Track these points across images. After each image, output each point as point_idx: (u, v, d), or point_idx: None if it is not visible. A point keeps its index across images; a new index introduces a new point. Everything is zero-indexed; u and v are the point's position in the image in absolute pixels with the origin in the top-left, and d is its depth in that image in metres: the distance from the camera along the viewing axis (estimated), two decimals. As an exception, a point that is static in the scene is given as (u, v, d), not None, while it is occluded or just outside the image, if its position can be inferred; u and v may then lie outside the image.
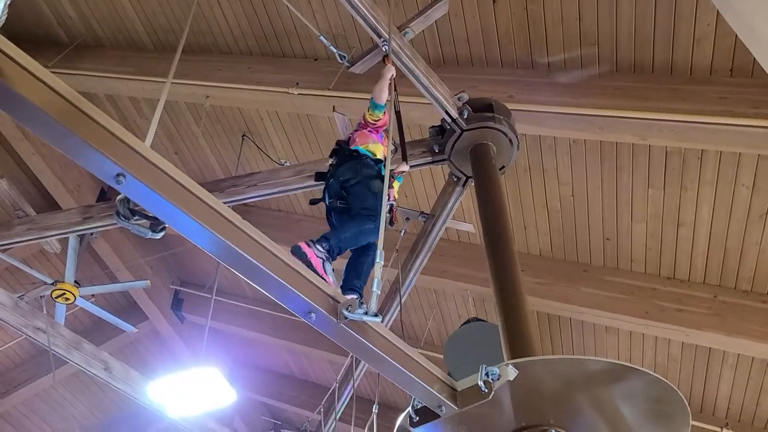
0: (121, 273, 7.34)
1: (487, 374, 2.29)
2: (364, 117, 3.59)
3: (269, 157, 6.03)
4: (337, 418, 5.39)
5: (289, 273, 1.82)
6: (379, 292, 1.95)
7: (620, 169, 4.94)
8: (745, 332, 4.92)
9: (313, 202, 3.65)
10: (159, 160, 1.54)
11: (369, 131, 3.57)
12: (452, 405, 2.24)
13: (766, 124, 3.69)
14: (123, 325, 6.85)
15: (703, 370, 5.74)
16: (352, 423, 5.80)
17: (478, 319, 5.85)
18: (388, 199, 3.54)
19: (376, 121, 3.51)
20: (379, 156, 3.49)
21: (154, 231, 1.54)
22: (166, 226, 1.63)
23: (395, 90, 3.51)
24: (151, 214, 1.58)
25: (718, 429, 5.85)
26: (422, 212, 4.55)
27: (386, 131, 3.58)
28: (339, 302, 1.93)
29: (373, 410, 4.28)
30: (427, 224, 4.44)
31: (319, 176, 3.65)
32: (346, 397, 5.47)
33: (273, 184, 3.97)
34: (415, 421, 2.43)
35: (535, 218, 5.58)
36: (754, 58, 3.94)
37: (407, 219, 4.64)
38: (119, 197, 1.57)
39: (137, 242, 7.56)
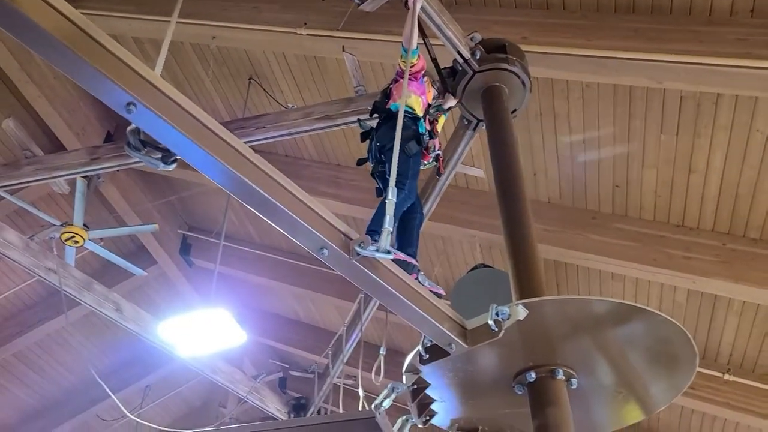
0: (129, 217, 7.37)
1: (497, 313, 2.30)
2: (399, 67, 3.48)
3: (276, 101, 5.96)
4: (345, 360, 5.50)
5: (302, 208, 1.81)
6: (390, 229, 1.95)
7: (633, 115, 4.86)
8: (753, 279, 4.93)
9: (359, 162, 3.56)
10: (170, 90, 1.51)
11: (408, 81, 3.47)
12: (462, 343, 2.26)
13: (784, 68, 3.60)
14: (132, 268, 6.91)
15: (708, 317, 5.79)
16: (360, 366, 5.89)
17: (485, 266, 5.88)
18: (435, 149, 3.49)
19: (411, 67, 3.38)
20: (418, 111, 3.38)
21: (165, 163, 1.52)
22: (178, 158, 1.61)
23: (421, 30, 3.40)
24: (162, 146, 1.56)
25: (720, 374, 5.94)
26: (434, 156, 4.50)
27: (426, 74, 3.49)
28: (351, 239, 1.93)
29: (381, 352, 4.36)
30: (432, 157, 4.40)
31: (363, 137, 3.55)
32: (354, 340, 5.56)
33: (281, 126, 3.93)
34: (425, 358, 2.46)
35: (545, 164, 5.54)
36: (777, -1, 3.82)
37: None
38: (130, 128, 1.55)
39: (145, 186, 7.57)
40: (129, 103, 1.42)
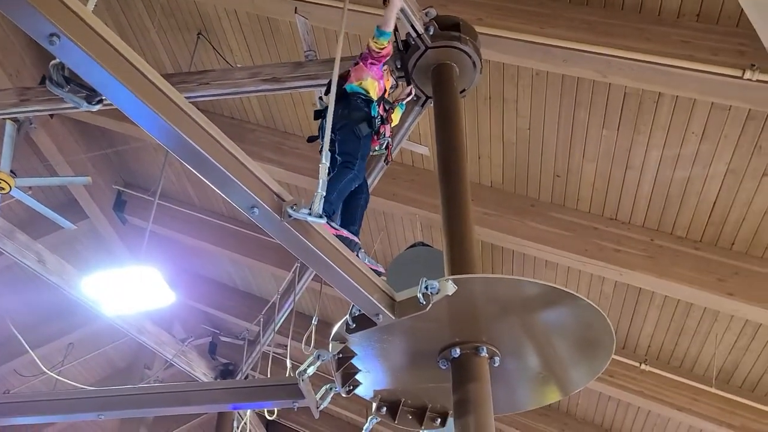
0: (61, 168, 7.06)
1: (426, 287, 2.31)
2: (368, 46, 3.43)
3: (225, 59, 5.79)
4: (276, 329, 5.46)
5: (234, 164, 1.75)
6: (323, 194, 1.92)
7: (578, 106, 4.95)
8: (675, 276, 5.13)
9: (310, 139, 3.51)
10: (98, 25, 1.42)
11: (369, 64, 3.42)
12: (389, 314, 2.26)
13: (723, 71, 3.72)
14: (61, 221, 6.64)
15: (631, 309, 6.02)
16: (290, 336, 5.86)
17: (424, 244, 5.92)
18: (385, 135, 3.48)
19: (380, 50, 3.36)
20: (373, 94, 3.37)
21: (89, 103, 1.44)
22: (103, 99, 1.53)
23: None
24: (86, 84, 1.48)
25: (637, 364, 6.19)
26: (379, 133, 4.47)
27: (386, 63, 3.48)
28: (284, 200, 1.89)
29: (313, 322, 4.34)
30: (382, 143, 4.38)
31: (316, 114, 3.52)
32: (287, 309, 5.53)
33: (226, 84, 3.82)
34: (351, 327, 2.46)
35: (489, 149, 5.59)
36: (722, 5, 3.94)
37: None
38: (53, 62, 1.46)
39: (81, 137, 7.26)
40: (52, 34, 1.34)
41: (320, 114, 3.43)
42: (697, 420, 6.24)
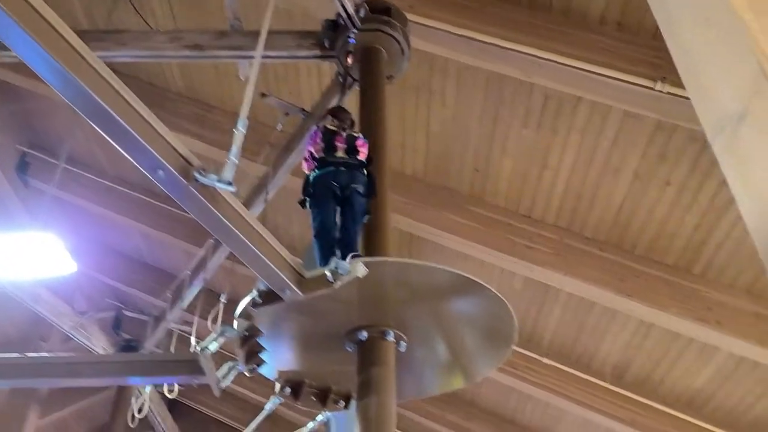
0: (-41, 123, 6.58)
1: (336, 267, 2.29)
2: None
3: (146, 21, 5.52)
4: (184, 306, 5.29)
5: (140, 123, 1.66)
6: (236, 161, 1.85)
7: (502, 104, 5.05)
8: (581, 275, 5.34)
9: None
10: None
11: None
12: (297, 290, 2.22)
13: (638, 81, 3.88)
14: (-46, 179, 6.17)
15: (538, 304, 6.22)
16: (197, 314, 5.71)
17: (341, 228, 5.89)
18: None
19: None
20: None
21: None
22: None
23: None
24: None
25: (540, 358, 6.42)
26: (303, 109, 4.41)
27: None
28: (191, 165, 1.81)
29: (221, 300, 4.23)
30: (306, 123, 4.32)
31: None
32: (196, 286, 5.37)
33: (145, 47, 3.64)
34: (258, 302, 2.40)
35: (414, 138, 5.62)
36: (642, 18, 4.11)
37: (286, 114, 4.48)
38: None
39: (-18, 92, 6.78)
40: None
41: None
42: (591, 413, 6.54)
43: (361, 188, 3.03)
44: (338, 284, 2.24)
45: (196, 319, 4.73)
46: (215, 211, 1.86)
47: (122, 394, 6.43)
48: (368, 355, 2.69)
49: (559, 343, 6.47)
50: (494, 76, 4.84)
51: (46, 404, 7.92)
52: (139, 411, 5.27)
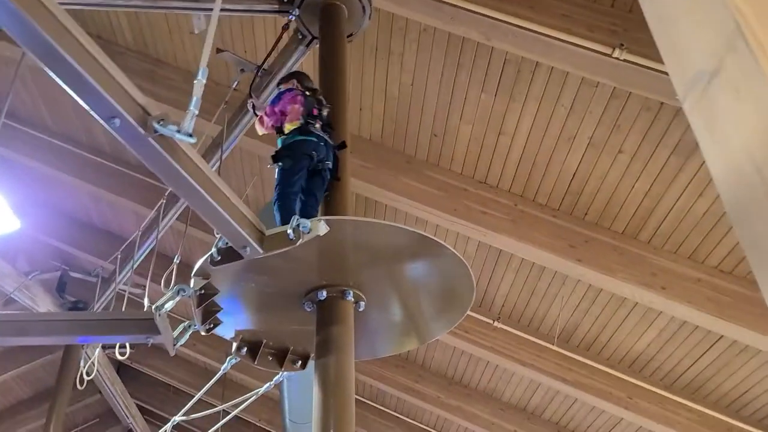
0: None
1: (298, 225, 2.26)
2: None
3: (95, -29, 5.25)
4: (134, 267, 5.17)
5: (96, 68, 1.58)
6: (196, 112, 1.79)
7: (461, 68, 5.03)
8: (533, 240, 5.45)
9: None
10: None
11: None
12: (257, 247, 2.19)
13: (596, 47, 3.92)
14: None
15: (491, 269, 6.34)
16: (149, 277, 5.56)
17: (297, 191, 5.83)
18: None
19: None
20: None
21: None
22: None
23: None
24: None
25: (491, 321, 6.57)
26: (259, 66, 4.29)
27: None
28: (149, 114, 1.74)
29: (174, 261, 4.15)
30: (263, 80, 4.22)
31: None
32: (147, 247, 5.25)
33: (94, -6, 3.46)
34: (216, 260, 2.36)
35: (372, 101, 5.57)
36: (602, -16, 4.13)
37: (242, 70, 4.36)
38: None
39: None
40: None
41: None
42: (538, 374, 6.76)
43: (330, 167, 3.03)
44: (300, 242, 2.22)
45: (148, 281, 4.63)
46: (174, 164, 1.80)
47: (69, 357, 6.28)
48: (327, 314, 2.69)
49: (510, 307, 6.63)
50: (454, 38, 4.81)
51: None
52: (88, 373, 5.17)
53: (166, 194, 5.13)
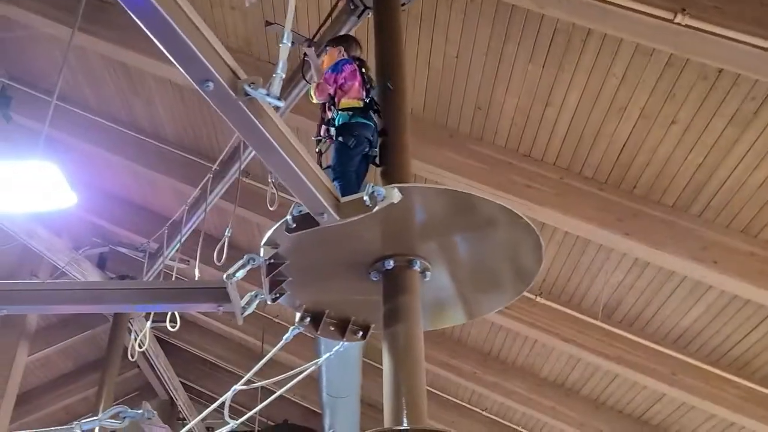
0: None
1: (372, 192, 2.25)
2: None
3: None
4: (182, 241, 5.22)
5: (194, 31, 1.57)
6: (283, 75, 1.78)
7: (508, 39, 4.95)
8: (579, 214, 5.38)
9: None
10: None
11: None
12: (334, 214, 2.18)
13: (656, 12, 3.82)
14: (-65, 110, 5.92)
15: (533, 244, 6.28)
16: (198, 257, 5.56)
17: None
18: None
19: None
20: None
21: None
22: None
23: None
24: None
25: (533, 297, 6.54)
26: (310, 39, 4.25)
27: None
28: (239, 77, 1.73)
29: (226, 234, 4.17)
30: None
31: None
32: (195, 222, 5.30)
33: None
34: (291, 227, 2.36)
35: (414, 73, 5.50)
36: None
37: (293, 43, 4.31)
38: None
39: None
40: None
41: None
42: (579, 350, 6.73)
43: (377, 153, 3.03)
44: (376, 209, 2.21)
45: (198, 259, 4.68)
46: (261, 127, 1.79)
47: (117, 330, 6.41)
48: (394, 284, 2.68)
49: (552, 281, 6.58)
50: (503, 7, 4.73)
51: (33, 341, 7.88)
52: (140, 345, 5.25)
53: (212, 170, 5.16)
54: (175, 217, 5.79)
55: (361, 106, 3.04)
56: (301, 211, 2.35)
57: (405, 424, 2.32)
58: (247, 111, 1.73)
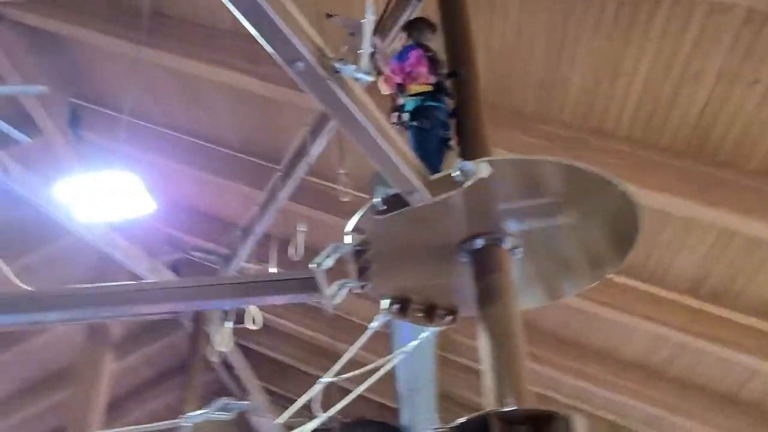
0: (11, 79, 6.52)
1: (462, 167, 2.18)
2: None
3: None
4: (257, 240, 5.27)
5: (284, 11, 1.55)
6: (370, 50, 1.74)
7: (570, 14, 4.79)
8: (657, 185, 5.16)
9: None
10: None
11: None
12: (426, 193, 2.13)
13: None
14: (14, 133, 6.15)
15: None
16: (275, 245, 5.59)
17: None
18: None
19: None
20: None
21: None
22: None
23: None
24: None
25: (611, 276, 6.30)
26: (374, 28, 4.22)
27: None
28: (327, 56, 1.70)
29: (300, 229, 4.18)
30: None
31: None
32: (267, 219, 5.34)
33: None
34: (380, 209, 2.32)
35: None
36: None
37: (352, 34, 4.29)
38: None
39: (31, 45, 6.71)
40: None
41: None
42: (662, 329, 6.48)
43: (449, 135, 2.96)
44: (467, 184, 2.14)
45: (275, 251, 4.71)
46: (349, 105, 1.76)
47: (198, 335, 6.57)
48: (485, 263, 2.61)
49: (630, 260, 6.32)
50: (564, -19, 4.58)
51: (118, 349, 8.16)
52: (224, 347, 5.35)
53: (280, 169, 5.19)
54: (248, 215, 5.85)
55: (431, 89, 2.98)
56: (387, 194, 2.31)
57: (510, 406, 2.25)
58: (338, 90, 1.69)
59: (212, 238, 8.18)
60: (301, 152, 5.16)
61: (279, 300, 2.60)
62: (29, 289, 3.87)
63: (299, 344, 11.15)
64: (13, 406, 9.28)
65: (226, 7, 5.28)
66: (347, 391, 3.25)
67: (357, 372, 3.21)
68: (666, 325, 6.33)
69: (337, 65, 1.66)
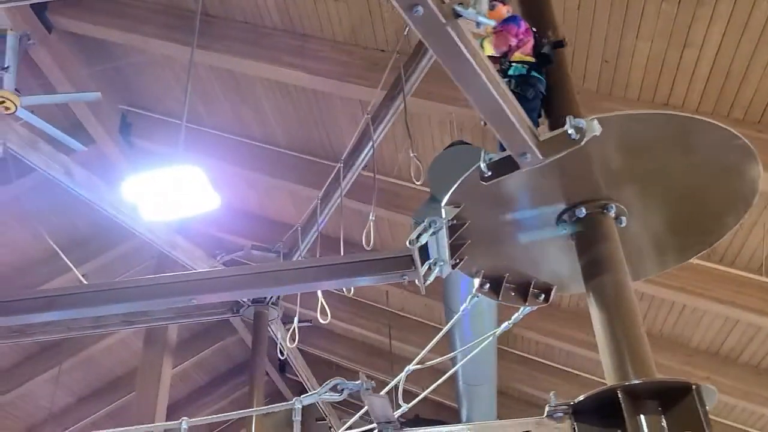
0: (62, 88, 6.57)
1: (575, 125, 2.03)
2: None
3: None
4: (320, 229, 5.19)
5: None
6: (489, -5, 1.61)
7: (634, -18, 4.60)
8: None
9: None
10: None
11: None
12: (538, 153, 1.98)
13: None
14: (70, 142, 6.22)
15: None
16: (341, 228, 5.41)
17: (463, 143, 5.64)
18: None
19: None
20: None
21: None
22: None
23: None
24: None
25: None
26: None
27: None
28: (445, 1, 1.58)
29: (370, 218, 4.08)
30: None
31: None
32: (329, 211, 5.25)
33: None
34: (486, 175, 2.19)
35: (532, 35, 5.23)
36: None
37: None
38: None
39: (80, 53, 6.76)
40: None
41: None
42: (736, 311, 6.20)
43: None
44: (583, 142, 1.99)
45: (341, 239, 4.60)
46: (469, 55, 1.63)
47: (258, 335, 6.52)
48: (590, 233, 2.45)
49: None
50: (630, -54, 4.39)
51: (176, 352, 8.17)
52: (291, 341, 5.28)
53: (341, 161, 5.09)
54: (312, 206, 5.76)
55: (534, 61, 2.83)
56: (491, 159, 2.17)
57: (632, 380, 2.08)
58: (456, 36, 1.56)
59: (263, 239, 8.13)
60: (356, 149, 5.05)
61: (379, 280, 2.48)
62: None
63: (353, 344, 11.06)
64: (81, 411, 9.41)
65: (273, 4, 5.24)
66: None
67: (443, 358, 3.06)
68: (739, 306, 6.06)
69: (458, 8, 1.53)
